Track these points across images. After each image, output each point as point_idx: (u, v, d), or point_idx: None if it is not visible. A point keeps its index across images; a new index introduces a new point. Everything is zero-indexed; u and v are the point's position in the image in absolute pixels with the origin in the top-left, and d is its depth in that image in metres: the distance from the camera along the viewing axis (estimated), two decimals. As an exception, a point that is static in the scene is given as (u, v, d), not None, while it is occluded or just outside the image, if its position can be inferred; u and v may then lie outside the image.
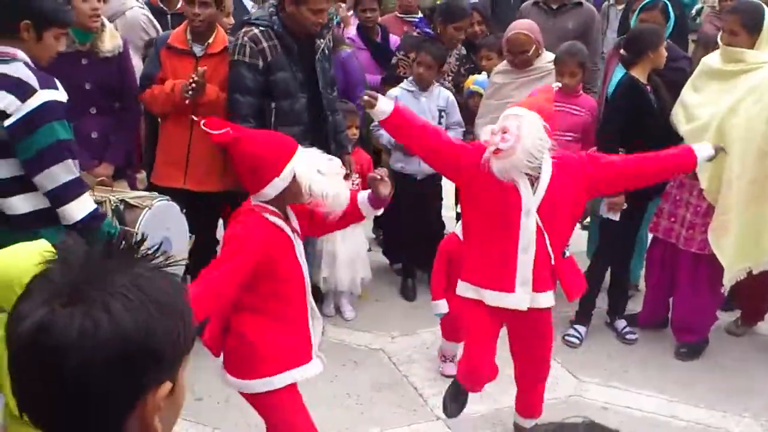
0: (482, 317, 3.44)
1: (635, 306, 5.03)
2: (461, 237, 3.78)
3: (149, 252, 1.13)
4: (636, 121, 4.40)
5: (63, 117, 3.08)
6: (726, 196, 4.24)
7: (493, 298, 3.39)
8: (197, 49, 4.31)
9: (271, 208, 2.80)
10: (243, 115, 4.16)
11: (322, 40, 4.34)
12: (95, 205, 3.22)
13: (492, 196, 3.28)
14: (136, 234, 3.45)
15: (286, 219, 2.86)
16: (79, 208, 3.13)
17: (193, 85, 4.11)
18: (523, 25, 4.97)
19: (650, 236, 4.85)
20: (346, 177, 4.03)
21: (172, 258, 1.15)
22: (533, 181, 3.27)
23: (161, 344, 1.06)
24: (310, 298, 2.95)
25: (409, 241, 5.32)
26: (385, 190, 2.96)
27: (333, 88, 4.52)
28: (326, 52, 4.40)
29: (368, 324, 4.95)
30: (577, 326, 4.84)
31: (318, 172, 2.77)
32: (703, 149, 3.53)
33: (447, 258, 4.07)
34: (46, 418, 1.07)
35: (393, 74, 5.42)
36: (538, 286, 3.36)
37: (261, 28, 4.21)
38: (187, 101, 4.15)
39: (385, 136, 4.96)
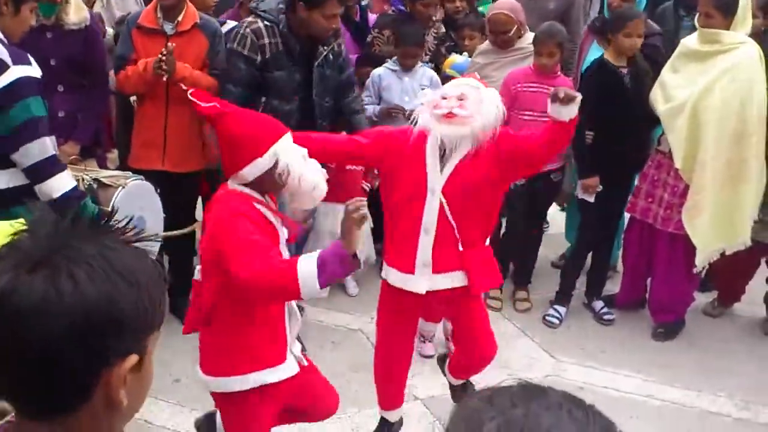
0: (391, 304, 3.33)
1: (613, 287, 5.05)
2: None
3: (119, 226, 1.13)
4: (605, 103, 4.41)
5: (37, 93, 3.03)
6: (700, 176, 4.26)
7: (397, 278, 3.23)
8: (168, 28, 4.25)
9: (255, 195, 2.64)
10: (229, 99, 4.09)
11: (326, 47, 4.23)
12: (74, 183, 3.17)
13: (403, 171, 3.13)
14: (110, 212, 3.41)
15: (271, 208, 2.71)
16: (58, 186, 3.08)
17: (164, 60, 4.05)
18: (504, 5, 4.94)
19: (627, 217, 4.86)
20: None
21: (142, 233, 1.15)
22: (442, 158, 3.10)
23: (124, 315, 1.06)
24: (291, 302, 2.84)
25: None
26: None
27: (332, 97, 4.37)
28: (330, 58, 4.29)
29: (347, 305, 4.95)
30: (556, 306, 4.87)
31: (302, 158, 2.65)
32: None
33: None
34: (9, 387, 1.07)
35: (369, 53, 5.38)
36: (439, 268, 3.17)
37: (266, 23, 4.11)
38: (164, 78, 4.10)
39: (369, 110, 4.94)
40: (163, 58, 4.06)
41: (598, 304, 4.91)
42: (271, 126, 2.70)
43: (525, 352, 4.49)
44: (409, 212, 3.15)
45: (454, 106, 3.02)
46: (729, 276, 4.78)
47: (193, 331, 2.80)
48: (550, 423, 0.85)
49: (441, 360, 3.77)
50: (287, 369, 2.77)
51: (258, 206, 2.63)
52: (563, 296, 4.90)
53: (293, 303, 2.83)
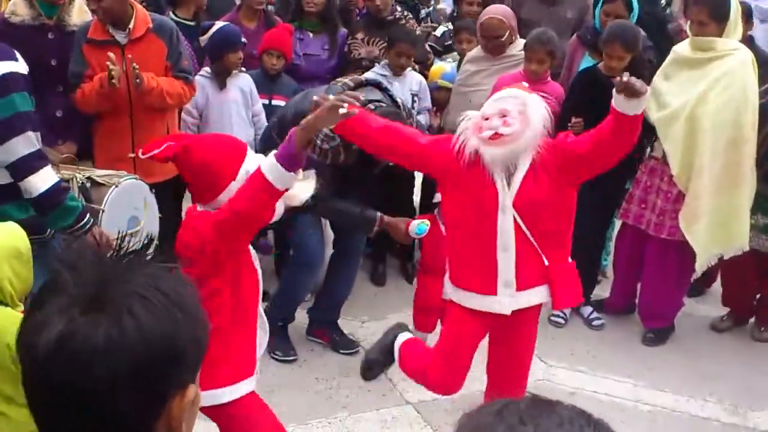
0: (464, 327, 3.23)
1: (602, 292, 5.06)
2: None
3: (155, 252, 1.08)
4: (592, 111, 4.42)
5: (24, 89, 3.01)
6: (697, 182, 4.27)
7: (475, 301, 3.17)
8: (120, 37, 4.03)
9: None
10: (329, 198, 3.91)
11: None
12: (58, 178, 3.13)
13: (467, 191, 3.05)
14: (102, 211, 3.39)
15: None
16: (41, 181, 3.04)
17: (113, 73, 3.87)
18: (497, 10, 4.96)
19: (618, 222, 4.87)
20: None
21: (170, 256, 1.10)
22: (508, 174, 3.02)
23: (184, 347, 1.02)
24: (261, 308, 2.85)
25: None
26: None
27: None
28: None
29: (337, 308, 4.94)
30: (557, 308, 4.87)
31: None
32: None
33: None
34: None
35: (347, 59, 5.27)
36: (521, 286, 3.11)
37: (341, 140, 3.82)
38: (137, 88, 3.95)
39: None
40: (113, 67, 3.85)
41: (587, 310, 4.92)
42: (235, 146, 2.72)
43: (515, 356, 4.49)
44: (480, 231, 3.06)
45: (498, 126, 2.92)
46: (736, 291, 4.77)
47: None
48: None
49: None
50: (253, 381, 2.81)
51: None
52: None
53: (263, 314, 2.85)
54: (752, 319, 4.89)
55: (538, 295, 3.17)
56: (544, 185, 3.03)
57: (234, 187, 2.60)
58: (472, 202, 3.06)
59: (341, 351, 4.43)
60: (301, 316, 4.63)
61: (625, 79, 2.83)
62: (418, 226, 3.75)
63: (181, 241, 2.66)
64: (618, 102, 2.90)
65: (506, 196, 3.01)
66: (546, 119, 2.96)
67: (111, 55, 3.87)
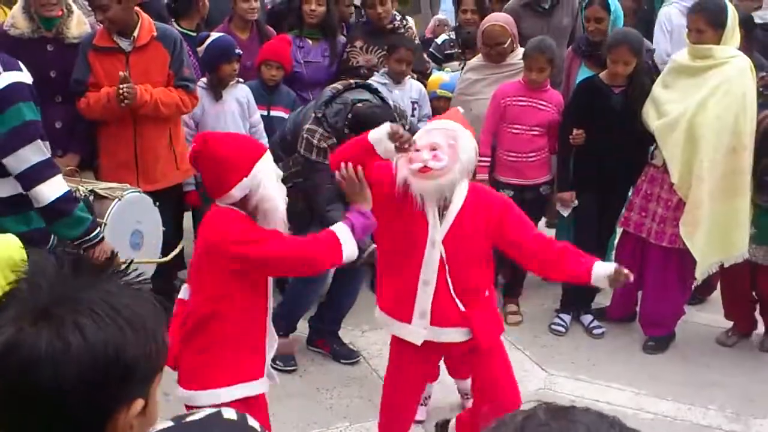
0: (404, 356, 3.21)
1: (603, 300, 5.06)
2: None
3: (120, 269, 1.11)
4: (591, 121, 4.46)
5: (30, 98, 3.03)
6: (697, 190, 4.28)
7: (395, 327, 3.17)
8: (125, 45, 4.11)
9: (242, 212, 2.69)
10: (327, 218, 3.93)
11: None
12: (68, 188, 3.14)
13: (400, 219, 3.02)
14: (105, 224, 3.40)
15: None
16: (52, 190, 3.05)
17: (125, 92, 3.95)
18: (499, 18, 5.00)
19: (619, 230, 4.88)
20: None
21: (142, 273, 1.14)
22: (441, 208, 3.00)
23: (132, 361, 1.05)
24: (270, 315, 2.85)
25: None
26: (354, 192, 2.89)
27: None
28: None
29: (338, 318, 4.94)
30: (562, 315, 4.88)
31: (276, 178, 2.71)
32: (602, 269, 3.06)
33: None
34: None
35: (346, 67, 5.27)
36: (440, 321, 3.07)
37: (336, 141, 3.92)
38: (125, 104, 4.00)
39: None
40: (123, 88, 3.95)
41: (587, 318, 4.92)
42: (252, 145, 2.79)
43: (516, 365, 4.41)
44: (407, 263, 3.06)
45: (427, 159, 2.89)
46: (738, 304, 4.76)
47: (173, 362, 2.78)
48: None
49: (442, 427, 3.70)
50: (263, 384, 2.82)
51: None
52: (567, 304, 4.91)
53: (271, 327, 2.85)
54: (756, 330, 4.87)
55: (458, 334, 3.12)
56: (476, 226, 3.02)
57: (246, 183, 2.63)
58: (403, 231, 3.05)
59: (342, 361, 4.43)
60: (302, 326, 4.63)
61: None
62: None
63: (203, 237, 2.72)
64: (597, 280, 3.04)
65: (437, 231, 3.00)
66: (475, 155, 2.97)
67: (122, 74, 3.96)
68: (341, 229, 2.74)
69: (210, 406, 2.64)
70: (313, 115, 4.04)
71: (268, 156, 2.74)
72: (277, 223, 2.71)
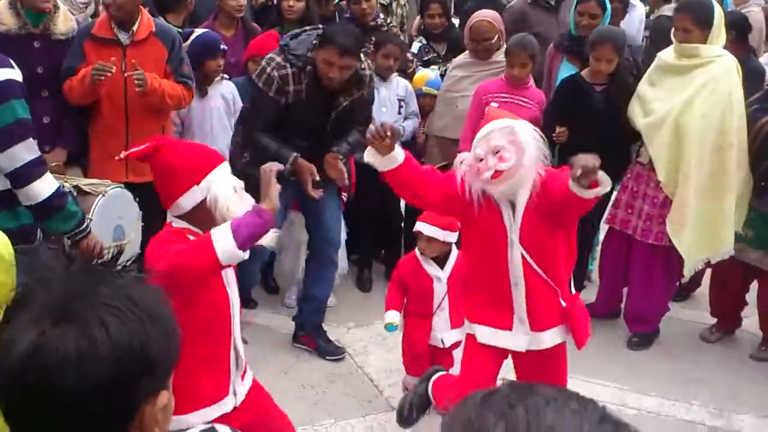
0: (480, 358, 3.21)
1: (588, 297, 5.07)
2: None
3: (127, 263, 1.11)
4: (573, 119, 4.48)
5: (21, 96, 3.01)
6: (683, 189, 4.31)
7: (489, 335, 3.16)
8: (123, 37, 4.14)
9: (194, 229, 2.58)
10: (254, 129, 4.11)
11: (347, 98, 4.12)
12: (58, 184, 3.14)
13: (480, 229, 3.05)
14: (90, 220, 3.39)
15: None
16: (44, 187, 3.04)
17: (136, 79, 3.98)
18: (486, 14, 5.02)
19: (605, 228, 4.90)
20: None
21: (140, 267, 1.13)
22: (512, 209, 3.01)
23: (155, 354, 1.04)
24: (236, 333, 2.69)
25: (367, 232, 5.31)
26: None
27: (346, 146, 4.23)
28: (348, 105, 4.15)
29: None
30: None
31: (233, 189, 2.60)
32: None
33: (403, 285, 3.85)
34: None
35: None
36: (538, 325, 3.10)
37: (294, 69, 4.01)
38: (140, 89, 4.02)
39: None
40: (135, 75, 3.98)
41: (573, 314, 4.93)
42: (208, 155, 2.69)
43: (502, 361, 4.50)
44: (494, 268, 3.07)
45: (495, 164, 2.88)
46: (725, 303, 4.80)
47: None
48: (553, 417, 0.85)
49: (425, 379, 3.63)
50: (223, 406, 2.68)
51: (192, 238, 2.57)
52: None
53: (240, 345, 2.72)
54: (740, 327, 4.91)
55: (555, 335, 3.16)
56: (542, 220, 3.00)
57: (195, 193, 2.54)
58: (485, 240, 3.07)
59: (327, 357, 4.43)
60: (289, 324, 4.63)
61: (578, 170, 2.74)
62: (388, 326, 3.77)
63: (147, 252, 2.59)
64: (574, 187, 2.80)
65: (513, 231, 3.01)
66: (538, 140, 2.94)
67: (132, 62, 4.01)
68: (218, 229, 2.46)
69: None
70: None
71: (223, 167, 2.64)
72: None
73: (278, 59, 4.04)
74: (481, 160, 2.91)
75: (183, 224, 2.60)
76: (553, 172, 3.03)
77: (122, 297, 1.03)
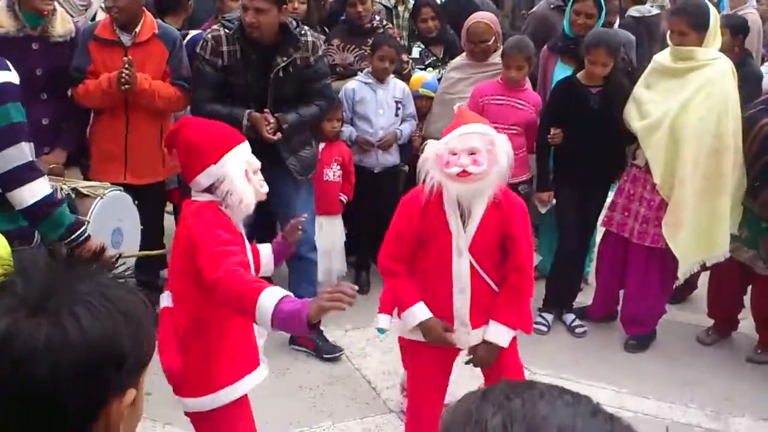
0: (427, 363, 3.23)
1: (585, 299, 5.09)
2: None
3: (110, 262, 1.14)
4: (569, 121, 4.49)
5: (17, 99, 3.01)
6: (679, 191, 4.32)
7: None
8: (125, 39, 4.21)
9: (217, 200, 2.64)
10: (200, 101, 4.23)
11: (285, 58, 4.17)
12: (49, 191, 3.12)
13: (426, 233, 3.06)
14: (88, 223, 3.38)
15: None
16: (33, 193, 3.03)
17: (126, 76, 4.03)
18: (483, 15, 5.04)
19: (602, 230, 4.91)
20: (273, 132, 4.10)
21: (130, 267, 1.15)
22: (464, 216, 3.01)
23: (126, 351, 1.07)
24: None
25: (364, 233, 5.32)
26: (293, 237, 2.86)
27: (290, 107, 4.28)
28: (291, 70, 4.21)
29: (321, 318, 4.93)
30: (544, 314, 4.90)
31: (243, 172, 2.65)
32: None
33: None
34: (8, 430, 1.05)
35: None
36: (476, 324, 3.14)
37: (227, 30, 4.16)
38: (125, 89, 4.07)
39: (345, 132, 4.98)
40: (125, 71, 4.03)
41: (569, 317, 4.95)
42: (228, 134, 2.74)
43: (499, 364, 4.50)
44: (440, 274, 3.07)
45: (467, 164, 2.87)
46: (723, 305, 4.82)
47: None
48: (547, 409, 0.90)
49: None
50: (261, 374, 2.82)
51: (225, 210, 2.65)
52: (549, 303, 4.93)
53: None
54: (735, 331, 4.92)
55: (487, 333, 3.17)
56: (498, 226, 3.04)
57: (214, 171, 2.61)
58: (434, 245, 3.06)
59: (325, 356, 4.44)
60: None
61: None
62: (379, 329, 3.77)
63: (177, 233, 2.69)
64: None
65: (461, 239, 3.01)
66: (510, 160, 2.95)
67: (129, 58, 4.06)
68: (266, 301, 2.34)
69: (213, 411, 2.62)
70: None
71: (242, 147, 2.71)
72: (234, 214, 2.66)
73: (214, 26, 4.26)
74: (455, 154, 2.90)
75: (206, 197, 2.66)
76: (514, 202, 3.09)
77: (99, 294, 1.06)
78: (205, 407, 2.72)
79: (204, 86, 4.22)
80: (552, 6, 5.51)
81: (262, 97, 4.23)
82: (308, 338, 4.50)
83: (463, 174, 2.88)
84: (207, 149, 2.64)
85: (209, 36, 4.19)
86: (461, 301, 3.09)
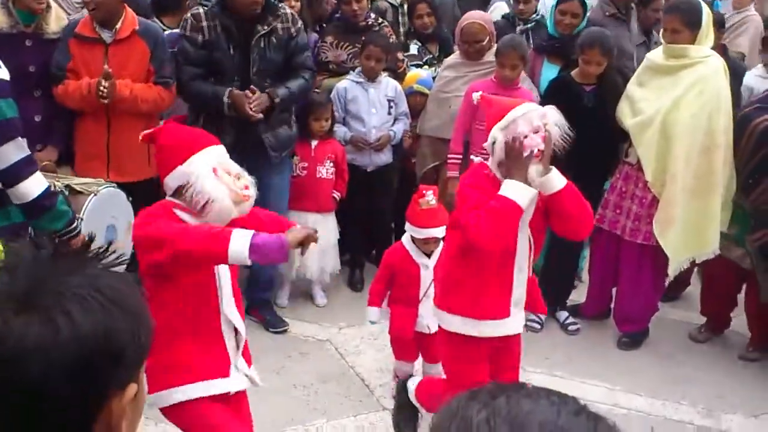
0: (472, 363, 3.14)
1: (578, 297, 5.10)
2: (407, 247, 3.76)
3: (99, 252, 1.07)
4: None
5: (9, 95, 3.00)
6: (670, 188, 4.33)
7: (491, 328, 3.11)
8: (106, 36, 4.13)
9: (182, 203, 2.62)
10: (185, 81, 4.31)
11: (265, 27, 4.30)
12: (48, 183, 3.13)
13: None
14: (81, 220, 3.38)
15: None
16: (34, 186, 3.03)
17: (103, 90, 3.97)
18: (477, 15, 5.04)
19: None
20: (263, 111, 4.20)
21: (121, 255, 1.10)
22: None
23: (122, 346, 1.01)
24: (226, 309, 2.71)
25: (358, 231, 5.32)
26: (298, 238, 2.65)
27: (274, 80, 4.37)
28: (273, 41, 4.33)
29: (315, 315, 4.94)
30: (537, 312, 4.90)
31: (211, 172, 2.60)
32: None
33: (390, 272, 3.87)
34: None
35: (315, 62, 5.31)
36: (526, 305, 3.13)
37: (205, 7, 4.31)
38: (105, 102, 4.02)
39: (339, 132, 4.98)
40: (103, 86, 3.95)
41: (563, 315, 4.96)
42: (198, 137, 2.74)
43: (492, 361, 4.51)
44: (502, 251, 2.98)
45: (539, 143, 2.86)
46: (716, 302, 4.84)
47: None
48: (531, 406, 0.92)
49: (402, 387, 3.70)
50: (230, 383, 2.73)
51: (181, 213, 2.61)
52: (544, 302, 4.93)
53: (235, 318, 2.73)
54: (728, 328, 4.94)
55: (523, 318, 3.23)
56: (540, 207, 3.03)
57: (180, 171, 2.59)
58: None
59: (271, 330, 4.68)
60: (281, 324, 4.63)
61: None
62: (369, 320, 3.96)
63: (134, 223, 2.71)
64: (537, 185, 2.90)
65: (527, 213, 2.95)
66: (562, 126, 2.96)
67: (106, 69, 3.99)
68: (240, 231, 2.48)
69: (175, 404, 2.62)
70: None
71: (214, 150, 2.68)
72: (212, 219, 2.60)
73: (194, 7, 4.42)
74: (526, 137, 2.87)
75: (172, 200, 2.67)
76: None
77: (90, 286, 1.00)
78: (164, 403, 2.70)
79: (188, 64, 4.31)
80: (607, 14, 5.40)
81: (247, 70, 4.32)
82: (257, 311, 4.72)
83: (538, 154, 2.88)
84: (175, 151, 2.65)
85: (188, 15, 4.32)
86: (519, 280, 3.06)
